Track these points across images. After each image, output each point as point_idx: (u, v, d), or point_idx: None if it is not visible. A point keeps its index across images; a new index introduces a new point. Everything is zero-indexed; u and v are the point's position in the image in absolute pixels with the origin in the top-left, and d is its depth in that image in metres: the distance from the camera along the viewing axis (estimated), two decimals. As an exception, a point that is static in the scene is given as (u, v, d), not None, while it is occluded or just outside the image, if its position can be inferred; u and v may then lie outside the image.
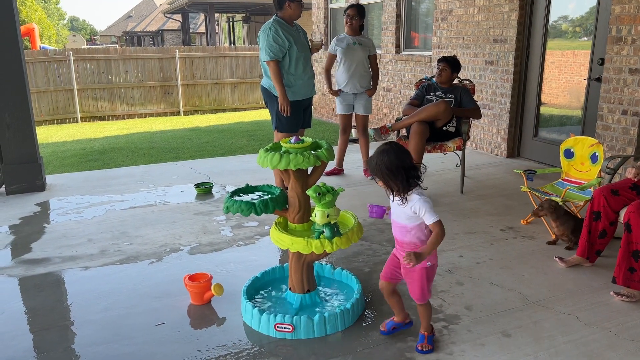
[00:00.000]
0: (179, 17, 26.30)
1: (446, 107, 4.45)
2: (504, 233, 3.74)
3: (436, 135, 4.54)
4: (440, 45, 6.70)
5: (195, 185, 4.87)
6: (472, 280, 3.03)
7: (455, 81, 4.80)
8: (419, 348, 2.34)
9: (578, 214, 3.64)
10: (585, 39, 5.06)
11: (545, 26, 5.38)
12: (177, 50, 14.08)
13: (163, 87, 14.01)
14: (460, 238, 3.65)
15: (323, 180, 4.74)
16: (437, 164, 5.63)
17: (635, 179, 2.96)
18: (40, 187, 4.89)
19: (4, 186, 4.80)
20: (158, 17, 34.76)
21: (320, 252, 2.40)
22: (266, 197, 2.56)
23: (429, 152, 4.54)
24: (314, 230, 2.45)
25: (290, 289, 2.70)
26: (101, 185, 5.09)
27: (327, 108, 10.51)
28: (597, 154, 3.74)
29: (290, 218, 2.59)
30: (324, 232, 2.40)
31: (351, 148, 5.67)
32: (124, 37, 39.87)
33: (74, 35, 30.10)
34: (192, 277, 2.80)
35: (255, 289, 2.84)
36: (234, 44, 24.56)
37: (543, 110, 5.63)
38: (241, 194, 2.64)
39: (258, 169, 5.33)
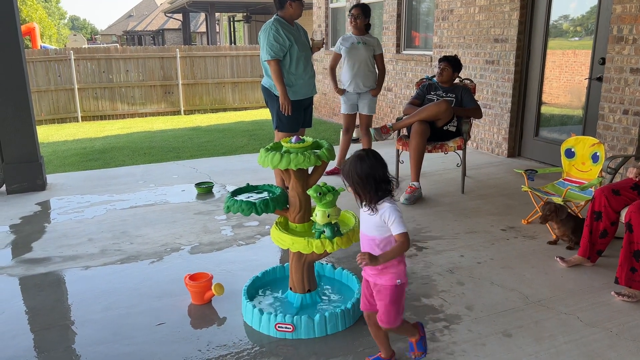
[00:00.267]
0: (179, 16, 26.31)
1: (447, 107, 4.45)
2: (504, 233, 3.73)
3: (437, 134, 4.54)
4: (441, 45, 6.69)
5: (195, 184, 4.87)
6: (473, 280, 3.02)
7: (456, 81, 4.79)
8: (412, 356, 2.25)
9: (579, 214, 3.64)
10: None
11: (546, 26, 5.38)
12: (177, 49, 14.08)
13: (164, 87, 14.01)
14: (461, 238, 3.65)
15: (324, 179, 4.73)
16: (437, 163, 5.63)
17: (637, 179, 2.96)
18: (41, 186, 4.89)
19: (4, 185, 4.80)
20: (159, 16, 34.77)
21: (321, 251, 2.40)
22: (267, 196, 2.56)
23: (430, 151, 4.54)
24: (314, 230, 2.45)
25: (290, 288, 2.69)
26: (102, 184, 5.09)
27: (327, 108, 10.51)
28: (598, 154, 3.73)
29: (291, 218, 2.59)
30: (324, 231, 2.40)
31: (352, 147, 5.66)
32: (125, 37, 39.89)
33: (74, 35, 30.13)
34: (192, 277, 2.80)
35: (255, 289, 2.84)
36: (235, 44, 24.56)
37: (544, 109, 5.63)
38: (242, 194, 2.64)
39: (259, 169, 5.33)
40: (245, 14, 22.11)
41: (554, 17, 5.37)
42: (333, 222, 2.41)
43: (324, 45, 4.89)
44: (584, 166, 3.85)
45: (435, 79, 4.77)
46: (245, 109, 14.61)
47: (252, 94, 14.85)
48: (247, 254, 3.45)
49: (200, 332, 2.54)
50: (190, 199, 4.60)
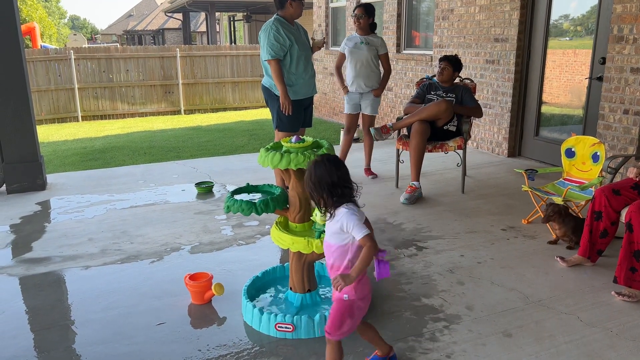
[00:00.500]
0: (179, 16, 26.30)
1: (447, 106, 4.45)
2: (505, 232, 3.73)
3: (437, 134, 4.53)
4: (441, 45, 6.69)
5: (196, 184, 4.87)
6: (473, 280, 3.02)
7: (457, 80, 4.79)
8: None
9: (579, 214, 3.64)
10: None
11: (546, 25, 5.37)
12: (178, 49, 14.08)
13: (164, 86, 14.01)
14: (461, 237, 3.65)
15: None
16: (438, 163, 5.63)
17: (637, 179, 2.96)
18: (41, 186, 4.89)
19: (4, 185, 4.80)
20: (159, 16, 34.77)
21: (321, 251, 2.39)
22: (267, 196, 2.56)
23: (430, 151, 4.53)
24: (314, 230, 2.45)
25: (290, 288, 2.69)
26: (102, 184, 5.09)
27: (327, 107, 10.51)
28: (598, 154, 3.73)
29: (291, 217, 2.59)
30: (324, 231, 2.39)
31: (353, 147, 5.66)
32: (125, 36, 39.89)
33: (74, 34, 30.15)
34: (192, 277, 2.80)
35: (255, 289, 2.84)
36: (235, 43, 24.56)
37: (544, 109, 5.63)
38: (242, 194, 2.64)
39: (259, 168, 5.33)
40: (245, 13, 22.11)
41: (554, 16, 5.37)
42: (333, 222, 2.40)
43: (324, 45, 4.89)
44: (584, 166, 3.85)
45: (435, 78, 4.77)
46: (246, 108, 14.61)
47: (252, 94, 14.85)
48: (247, 253, 3.45)
49: (200, 332, 2.54)
50: (190, 199, 4.60)
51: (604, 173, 3.66)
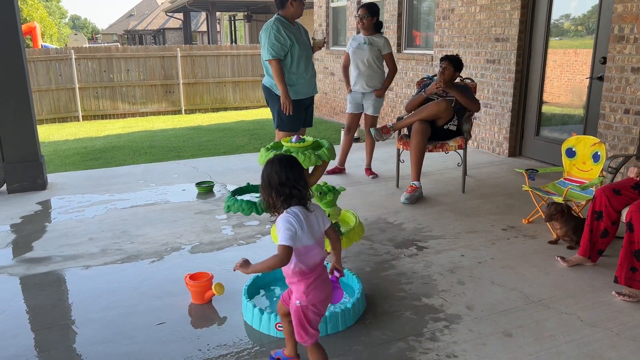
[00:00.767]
0: (180, 15, 26.32)
1: (447, 106, 4.44)
2: (505, 232, 3.73)
3: (437, 134, 4.53)
4: (442, 44, 6.69)
5: (196, 184, 4.87)
6: (474, 280, 3.02)
7: (457, 80, 4.79)
8: (272, 355, 2.21)
9: (580, 214, 3.63)
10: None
11: (547, 25, 5.37)
12: (178, 48, 14.08)
13: (164, 86, 14.02)
14: (462, 237, 3.65)
15: (324, 179, 4.74)
16: (438, 163, 5.62)
17: (637, 179, 2.96)
18: (42, 185, 4.89)
19: (5, 185, 4.81)
20: (159, 15, 34.78)
21: (321, 251, 2.39)
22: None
23: (431, 151, 4.53)
24: (315, 230, 2.44)
25: (291, 288, 2.69)
26: (102, 184, 5.09)
27: (328, 107, 10.51)
28: (599, 153, 3.73)
29: (291, 217, 2.58)
30: (324, 231, 2.39)
31: (354, 147, 5.66)
32: (126, 36, 39.90)
33: (75, 34, 30.16)
34: (193, 276, 2.80)
35: (256, 288, 2.84)
36: (236, 43, 24.56)
37: (545, 109, 5.62)
38: (242, 193, 2.64)
39: (259, 168, 5.27)
40: (246, 13, 22.11)
41: (555, 16, 5.37)
42: (333, 222, 2.40)
43: (325, 45, 4.89)
44: (584, 166, 3.84)
45: (436, 78, 4.76)
46: (246, 108, 14.61)
47: (253, 93, 14.85)
48: (248, 253, 3.44)
49: (201, 332, 2.54)
50: (190, 199, 4.60)
51: (604, 173, 3.66)
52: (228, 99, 14.70)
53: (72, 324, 2.63)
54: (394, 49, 7.78)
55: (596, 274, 3.06)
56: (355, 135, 6.42)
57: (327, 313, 2.48)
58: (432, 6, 7.11)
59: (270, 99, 4.37)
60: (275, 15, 4.26)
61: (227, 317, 2.67)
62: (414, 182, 4.47)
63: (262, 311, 2.52)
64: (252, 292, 2.78)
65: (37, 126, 4.97)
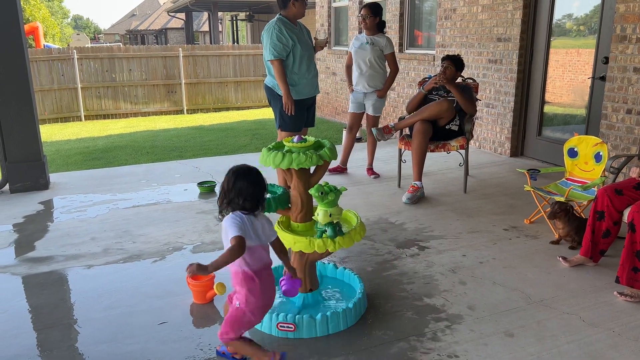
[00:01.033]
0: (182, 15, 26.33)
1: (449, 106, 4.44)
2: (507, 232, 3.73)
3: (439, 134, 4.53)
4: (444, 44, 6.68)
5: (198, 183, 4.88)
6: (475, 280, 3.02)
7: (459, 80, 4.78)
8: (219, 350, 2.26)
9: (582, 214, 3.63)
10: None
11: (549, 25, 5.36)
12: (180, 48, 14.09)
13: (166, 86, 14.03)
14: (464, 237, 3.64)
15: (326, 178, 4.74)
16: (440, 163, 5.62)
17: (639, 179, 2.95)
18: (44, 185, 4.90)
19: (7, 184, 4.82)
20: (162, 15, 34.81)
21: (323, 251, 2.40)
22: (269, 196, 2.56)
23: (432, 151, 4.53)
24: (316, 230, 2.45)
25: (292, 288, 2.69)
26: (104, 183, 5.10)
27: (330, 107, 10.51)
28: (601, 154, 3.72)
29: (292, 217, 2.59)
30: (326, 231, 2.40)
31: (356, 147, 5.66)
32: (128, 36, 39.96)
33: (77, 34, 30.19)
34: (194, 276, 2.80)
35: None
36: (238, 43, 24.57)
37: (547, 109, 5.62)
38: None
39: (261, 168, 5.32)
40: (248, 13, 22.12)
41: (557, 16, 5.36)
42: (335, 222, 2.41)
43: (327, 45, 4.89)
44: (586, 166, 3.84)
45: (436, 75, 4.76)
46: (248, 108, 14.62)
47: (255, 93, 14.86)
48: (249, 253, 3.45)
49: (202, 331, 2.55)
50: (192, 198, 4.61)
51: (606, 173, 3.65)
52: (230, 99, 14.71)
53: (74, 323, 2.63)
54: (396, 49, 7.76)
55: (598, 274, 3.06)
56: (358, 135, 6.42)
57: (328, 313, 2.49)
58: (434, 6, 7.11)
59: (273, 99, 4.37)
60: (278, 15, 4.26)
61: (228, 316, 2.67)
62: (416, 182, 4.47)
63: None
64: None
65: (40, 126, 4.98)
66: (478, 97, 4.88)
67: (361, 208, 4.19)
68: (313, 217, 2.50)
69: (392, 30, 7.88)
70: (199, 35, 33.17)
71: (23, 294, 2.95)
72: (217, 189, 4.81)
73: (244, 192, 2.01)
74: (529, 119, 5.78)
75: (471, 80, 4.92)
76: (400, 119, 4.75)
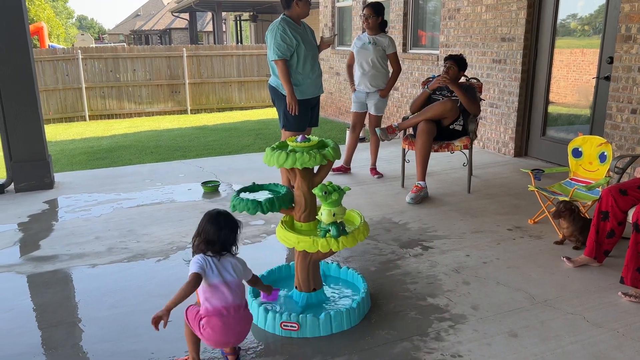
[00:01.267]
0: (186, 15, 26.38)
1: (452, 106, 4.44)
2: (511, 232, 3.72)
3: (443, 134, 4.52)
4: (448, 44, 6.67)
5: (202, 183, 4.89)
6: (479, 280, 3.02)
7: (462, 80, 4.78)
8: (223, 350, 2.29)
9: (586, 214, 3.62)
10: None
11: (553, 24, 5.35)
12: (184, 49, 14.13)
13: (170, 86, 14.07)
14: (467, 237, 3.64)
15: (330, 178, 4.74)
16: (444, 163, 5.61)
17: (644, 179, 2.94)
18: (49, 185, 4.92)
19: (13, 184, 4.84)
20: (166, 15, 34.88)
21: (327, 250, 2.40)
22: (273, 195, 2.57)
23: (436, 150, 4.53)
24: (320, 229, 2.45)
25: (296, 287, 2.70)
26: (109, 183, 5.12)
27: (333, 107, 10.51)
28: (605, 154, 3.71)
29: (296, 217, 2.59)
30: (330, 230, 2.40)
31: (360, 147, 5.67)
32: (132, 36, 40.05)
33: (82, 34, 30.28)
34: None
35: (261, 287, 2.84)
36: (241, 43, 24.59)
37: (551, 109, 5.60)
38: (248, 193, 2.65)
39: (264, 168, 5.34)
40: (251, 13, 22.14)
41: (561, 15, 5.35)
42: (338, 221, 2.41)
43: (334, 40, 4.87)
44: (591, 166, 3.83)
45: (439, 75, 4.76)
46: (252, 108, 14.64)
47: (258, 93, 14.88)
48: (253, 252, 3.46)
49: (206, 330, 2.55)
50: (196, 198, 4.62)
51: (611, 173, 3.64)
52: (234, 99, 14.73)
53: (79, 322, 2.65)
54: (400, 49, 7.78)
55: (602, 275, 3.05)
56: (361, 135, 6.42)
57: (332, 312, 2.49)
58: (437, 6, 7.10)
59: (277, 98, 4.38)
60: (281, 15, 4.27)
61: (232, 316, 2.68)
62: (419, 182, 4.47)
63: (267, 310, 2.52)
64: (257, 291, 2.78)
65: (44, 126, 5.00)
66: (482, 97, 4.87)
67: (365, 208, 4.19)
68: (317, 217, 2.51)
69: (395, 30, 7.87)
70: (202, 36, 33.23)
71: (28, 292, 2.97)
72: (220, 189, 4.83)
73: (210, 236, 2.11)
74: (533, 119, 5.77)
75: (475, 80, 4.91)
76: (404, 118, 4.75)
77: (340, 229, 2.41)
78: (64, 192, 4.82)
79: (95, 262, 3.33)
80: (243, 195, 2.59)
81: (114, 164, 7.17)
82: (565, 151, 4.14)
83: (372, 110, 5.17)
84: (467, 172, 4.66)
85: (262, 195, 2.60)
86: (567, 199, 3.49)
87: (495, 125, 6.10)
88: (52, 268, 3.25)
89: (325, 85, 10.40)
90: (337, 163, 5.25)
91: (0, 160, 6.64)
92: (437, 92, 4.68)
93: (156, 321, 1.95)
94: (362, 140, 6.42)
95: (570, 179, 3.92)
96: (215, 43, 21.58)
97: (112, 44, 31.76)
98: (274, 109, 4.53)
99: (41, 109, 4.90)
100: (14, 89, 4.63)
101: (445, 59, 4.65)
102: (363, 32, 5.31)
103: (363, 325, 2.57)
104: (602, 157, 3.73)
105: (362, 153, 5.74)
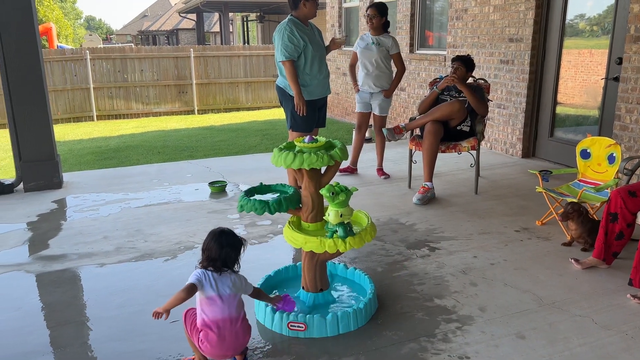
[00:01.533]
0: (193, 16, 26.46)
1: (460, 107, 4.42)
2: (518, 234, 3.71)
3: (450, 134, 4.51)
4: (455, 45, 6.66)
5: (209, 183, 4.90)
6: (486, 281, 3.01)
7: (470, 80, 4.77)
8: None
9: (594, 216, 3.60)
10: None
11: (562, 25, 5.32)
12: (191, 49, 14.17)
13: (178, 86, 14.12)
14: (475, 239, 3.63)
15: (336, 179, 4.74)
16: (451, 163, 5.60)
17: (654, 180, 2.92)
18: (58, 184, 4.96)
19: (22, 183, 4.88)
20: (173, 16, 35.01)
21: (334, 251, 2.40)
22: (280, 196, 2.57)
23: (443, 151, 4.52)
24: (327, 230, 2.45)
25: (303, 287, 2.70)
26: (117, 183, 5.15)
27: (340, 107, 10.51)
28: (614, 155, 3.69)
29: (303, 217, 2.60)
30: (337, 231, 2.40)
31: (366, 147, 5.67)
32: (140, 36, 40.22)
33: (90, 35, 30.47)
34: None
35: (268, 288, 2.85)
36: (248, 43, 24.64)
37: (559, 110, 5.57)
38: (255, 193, 2.66)
39: (271, 168, 5.35)
40: (258, 13, 22.18)
41: (570, 16, 5.32)
42: (346, 222, 2.41)
43: (345, 41, 4.85)
44: (599, 167, 3.80)
45: (448, 75, 4.74)
46: (258, 108, 14.67)
47: (265, 94, 14.90)
48: (260, 252, 3.46)
49: (214, 330, 2.56)
50: (203, 198, 4.63)
51: (620, 174, 3.62)
52: (240, 99, 14.76)
53: (87, 321, 2.66)
54: (407, 50, 7.77)
55: (611, 277, 3.03)
56: (367, 135, 6.41)
57: (338, 313, 2.49)
58: (445, 6, 7.08)
59: (284, 99, 4.39)
60: (289, 16, 4.27)
61: (239, 315, 2.68)
62: (427, 183, 4.46)
63: (274, 310, 2.53)
64: (264, 291, 2.79)
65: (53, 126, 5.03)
66: (489, 97, 4.85)
67: (371, 209, 4.19)
68: (324, 217, 2.51)
69: (402, 31, 7.86)
70: (209, 36, 33.32)
71: (37, 291, 2.99)
72: (227, 190, 4.84)
73: (212, 254, 2.18)
74: (540, 120, 5.74)
75: (482, 81, 4.90)
76: (411, 119, 4.74)
77: (348, 229, 2.41)
78: (73, 192, 4.85)
79: (104, 262, 3.35)
80: (251, 195, 2.60)
81: (121, 164, 7.21)
82: (573, 152, 4.12)
83: (376, 111, 5.17)
84: (475, 173, 4.64)
85: (270, 196, 2.61)
86: (575, 200, 3.47)
87: (503, 126, 6.08)
88: (60, 267, 3.28)
89: (332, 86, 10.39)
90: (344, 164, 5.25)
91: (10, 160, 6.70)
92: (445, 93, 4.67)
93: (156, 315, 2.12)
94: (369, 140, 6.42)
95: (579, 181, 3.90)
96: (222, 43, 21.64)
97: (120, 45, 31.94)
98: (281, 110, 4.55)
99: (50, 109, 4.93)
100: (23, 90, 4.66)
101: (453, 60, 4.64)
102: (366, 32, 5.30)
103: (370, 326, 2.57)
104: (611, 159, 3.71)
105: (369, 154, 5.73)
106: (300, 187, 2.60)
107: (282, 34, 4.14)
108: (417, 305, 2.75)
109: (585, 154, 3.89)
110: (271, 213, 2.45)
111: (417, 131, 4.73)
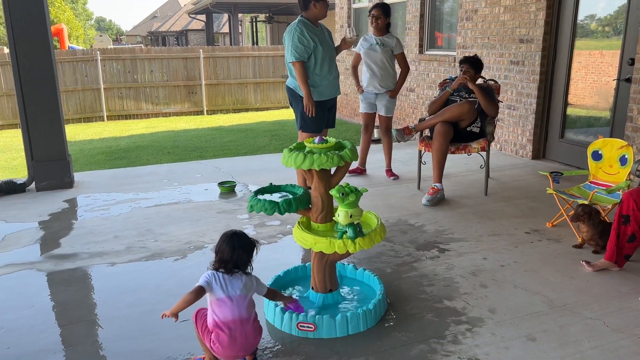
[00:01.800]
0: (203, 17, 26.59)
1: (470, 108, 4.41)
2: (529, 236, 3.68)
3: (460, 135, 4.50)
4: (465, 45, 6.63)
5: (218, 184, 4.92)
6: (496, 283, 2.99)
7: (480, 81, 4.75)
8: None
9: (606, 218, 3.57)
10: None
11: (573, 25, 5.29)
12: (201, 50, 14.24)
13: (187, 87, 14.19)
14: (484, 240, 3.61)
15: (345, 179, 4.74)
16: (460, 165, 5.58)
17: (667, 182, 2.89)
18: (69, 184, 5.00)
19: (34, 183, 4.93)
20: (182, 17, 35.19)
21: (343, 252, 2.40)
22: (290, 196, 2.58)
23: (453, 152, 4.50)
24: (337, 230, 2.45)
25: (312, 288, 2.71)
26: (127, 182, 5.18)
27: (349, 108, 10.50)
28: (626, 157, 3.65)
29: (313, 218, 2.60)
30: (347, 232, 2.40)
31: (373, 148, 5.66)
32: (149, 37, 40.46)
33: (100, 36, 30.67)
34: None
35: (277, 288, 2.85)
36: (257, 44, 24.70)
37: (570, 111, 5.53)
38: (265, 193, 2.67)
39: (281, 169, 5.36)
40: (267, 14, 22.23)
41: (581, 16, 5.28)
42: (355, 223, 2.41)
43: (356, 41, 4.84)
44: (611, 169, 3.77)
45: (459, 76, 4.72)
46: (267, 109, 14.70)
47: (274, 94, 14.93)
48: (269, 253, 3.47)
49: (223, 330, 2.56)
50: (213, 198, 4.65)
51: (632, 176, 3.59)
52: (249, 100, 14.80)
53: (98, 319, 2.68)
54: (416, 50, 7.75)
55: (622, 279, 3.00)
56: (376, 136, 6.40)
57: (348, 313, 2.49)
58: (454, 7, 7.06)
59: (294, 100, 4.39)
60: (299, 17, 4.28)
61: (249, 315, 2.69)
62: (436, 184, 4.45)
63: (283, 310, 2.53)
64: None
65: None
66: (499, 98, 4.83)
67: (380, 209, 4.19)
68: (334, 218, 2.51)
69: (412, 32, 7.85)
70: (219, 37, 33.45)
71: (48, 290, 3.02)
72: (237, 190, 4.86)
73: (224, 256, 2.20)
74: (551, 121, 5.70)
75: (493, 82, 4.88)
76: (421, 120, 4.73)
77: (357, 230, 2.41)
78: (84, 192, 4.89)
79: (114, 261, 3.37)
80: (260, 196, 2.60)
81: (132, 164, 7.25)
82: (584, 154, 4.09)
83: (382, 112, 5.16)
84: (484, 175, 4.62)
85: (279, 196, 2.62)
86: (586, 202, 3.45)
87: (513, 128, 6.05)
88: (72, 266, 3.30)
89: (341, 87, 10.41)
90: (353, 164, 5.25)
91: (22, 159, 6.76)
92: (455, 94, 4.66)
93: (165, 316, 2.18)
94: (377, 141, 6.40)
95: (590, 182, 3.87)
96: (231, 44, 21.71)
97: (130, 45, 32.12)
98: (290, 110, 4.56)
99: (62, 109, 4.98)
100: (36, 90, 4.71)
101: (461, 62, 4.63)
102: (369, 33, 5.29)
103: (379, 327, 2.56)
104: (623, 160, 3.68)
105: (377, 154, 5.72)
106: (309, 188, 2.61)
107: (292, 35, 4.15)
108: (427, 306, 2.75)
109: (597, 156, 3.86)
110: (281, 213, 2.46)
111: (427, 132, 4.72)
